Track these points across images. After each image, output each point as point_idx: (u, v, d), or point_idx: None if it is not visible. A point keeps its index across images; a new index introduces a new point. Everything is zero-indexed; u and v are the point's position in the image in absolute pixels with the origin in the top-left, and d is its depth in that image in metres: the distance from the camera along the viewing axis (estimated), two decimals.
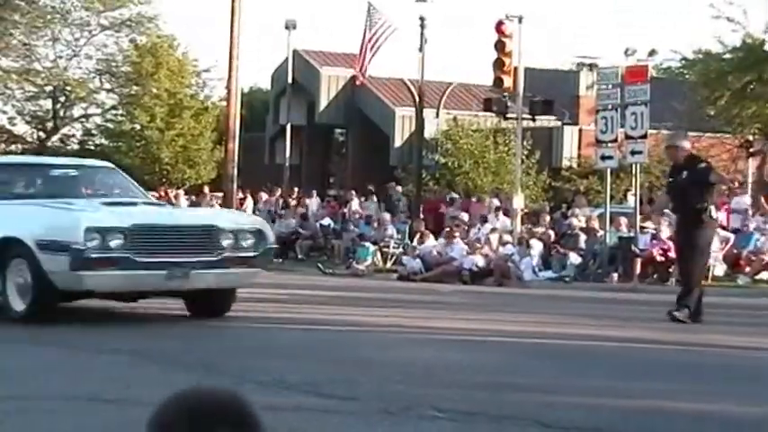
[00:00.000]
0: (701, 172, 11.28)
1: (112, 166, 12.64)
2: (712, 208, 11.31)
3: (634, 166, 19.72)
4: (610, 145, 19.52)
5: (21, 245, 9.91)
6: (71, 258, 9.54)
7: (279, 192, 30.20)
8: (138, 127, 37.22)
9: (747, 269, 17.89)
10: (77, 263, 9.54)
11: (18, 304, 10.04)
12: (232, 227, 10.47)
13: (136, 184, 12.30)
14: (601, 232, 19.67)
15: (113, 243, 9.68)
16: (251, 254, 10.40)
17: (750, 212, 19.34)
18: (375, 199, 28.66)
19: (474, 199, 26.54)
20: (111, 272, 9.66)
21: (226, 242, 10.25)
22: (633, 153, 18.91)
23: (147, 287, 10.16)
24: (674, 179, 11.60)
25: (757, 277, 17.87)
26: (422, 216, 25.26)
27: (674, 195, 11.69)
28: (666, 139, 12.82)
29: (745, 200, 19.43)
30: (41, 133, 41.14)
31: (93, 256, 9.55)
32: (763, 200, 19.88)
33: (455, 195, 27.56)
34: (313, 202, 29.25)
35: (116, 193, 11.62)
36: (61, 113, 40.87)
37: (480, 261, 20.41)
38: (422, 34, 27.58)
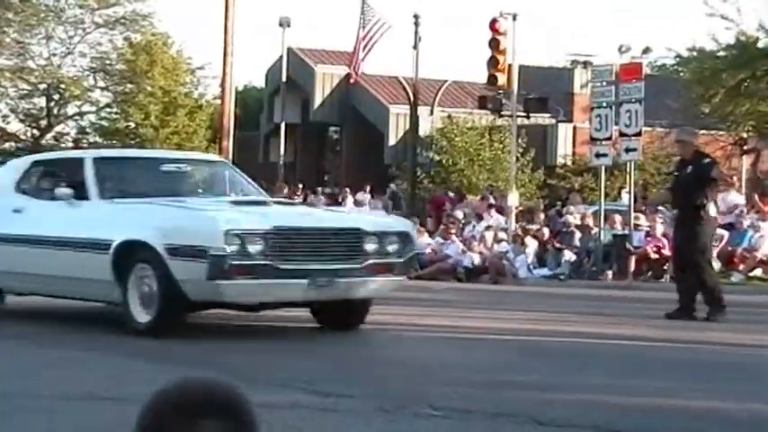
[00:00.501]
0: (703, 167, 11.32)
1: (224, 160, 11.58)
2: (711, 205, 11.32)
3: (628, 163, 19.73)
4: (604, 142, 19.53)
5: (147, 249, 8.85)
6: (209, 265, 8.43)
7: (285, 189, 30.18)
8: (132, 125, 37.21)
9: (741, 266, 17.92)
10: (215, 271, 8.44)
11: (141, 316, 9.02)
12: (376, 229, 9.36)
13: (249, 179, 11.19)
14: (595, 230, 19.69)
15: (253, 248, 8.57)
16: (396, 260, 9.35)
17: (744, 210, 19.36)
18: (369, 198, 28.66)
19: (480, 197, 26.50)
20: (250, 281, 8.59)
21: (370, 247, 9.19)
22: (627, 151, 18.92)
23: (287, 297, 9.09)
24: (679, 174, 11.64)
25: (751, 274, 17.91)
26: (429, 213, 25.23)
27: (677, 190, 11.73)
28: (676, 134, 12.84)
29: (731, 197, 19.44)
30: (35, 131, 41.08)
31: (233, 263, 8.46)
32: (756, 197, 19.90)
33: (463, 192, 27.55)
34: (320, 201, 29.25)
35: (233, 190, 10.69)
36: (55, 111, 40.81)
37: (475, 259, 20.42)
38: (416, 32, 27.60)
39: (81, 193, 9.75)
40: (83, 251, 9.38)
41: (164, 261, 8.70)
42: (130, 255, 9.00)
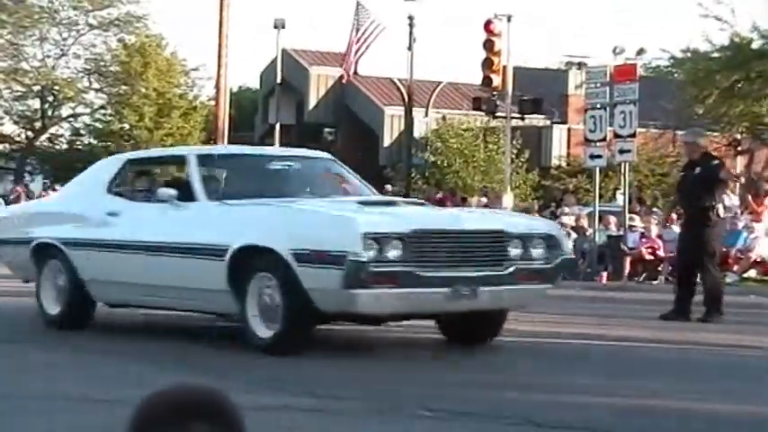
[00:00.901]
0: (712, 169, 11.35)
1: (331, 156, 10.55)
2: (720, 206, 11.36)
3: (623, 164, 19.75)
4: (599, 144, 19.54)
5: (270, 256, 7.91)
6: (345, 273, 7.47)
7: None
8: (126, 127, 37.20)
9: (735, 267, 17.93)
10: (352, 279, 7.50)
11: (262, 330, 8.10)
12: (521, 232, 8.46)
13: (358, 176, 10.22)
14: (590, 231, 19.70)
15: (392, 253, 7.65)
16: (543, 266, 8.42)
17: (738, 211, 19.38)
18: None
19: (483, 198, 26.47)
20: (390, 290, 7.66)
21: (514, 251, 8.28)
22: (622, 152, 18.92)
23: (427, 309, 8.19)
24: (686, 175, 11.67)
25: (745, 275, 17.93)
26: None
27: (684, 191, 11.75)
28: (685, 135, 12.87)
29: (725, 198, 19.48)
30: (29, 133, 41.05)
31: (372, 269, 7.53)
32: (750, 198, 19.92)
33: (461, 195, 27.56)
34: None
35: (344, 189, 9.72)
36: (49, 113, 40.80)
37: None
38: (411, 33, 27.61)
39: (184, 194, 8.82)
40: (193, 258, 8.41)
41: (290, 268, 7.74)
42: (250, 262, 8.08)
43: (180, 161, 9.70)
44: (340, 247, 7.55)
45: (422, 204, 10.07)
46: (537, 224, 9.56)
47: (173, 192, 8.85)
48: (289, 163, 10.00)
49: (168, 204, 8.80)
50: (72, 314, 9.60)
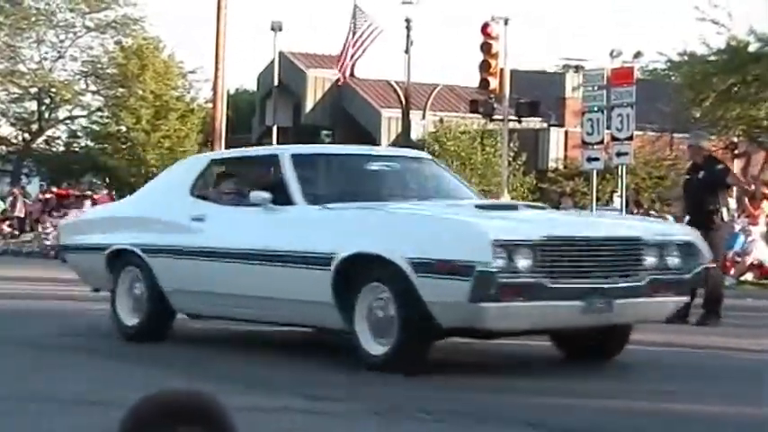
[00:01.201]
0: (718, 173, 11.40)
1: (430, 156, 9.95)
2: (724, 210, 11.41)
3: (620, 167, 19.75)
4: (596, 147, 19.55)
5: (384, 265, 7.25)
6: (473, 285, 6.82)
7: None
8: (123, 129, 37.15)
9: (732, 271, 17.94)
10: (481, 291, 6.84)
11: (372, 346, 7.42)
12: (658, 240, 7.73)
13: (460, 178, 9.61)
14: None
15: (522, 263, 7.00)
16: (679, 276, 7.72)
17: (735, 215, 19.40)
18: None
19: None
20: (519, 303, 6.99)
21: (650, 260, 7.58)
22: (619, 155, 18.93)
23: (558, 324, 7.51)
24: (690, 177, 11.70)
25: (742, 278, 17.94)
26: None
27: (688, 194, 11.79)
28: (689, 138, 12.92)
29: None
30: (26, 135, 41.02)
31: (502, 281, 6.88)
32: (747, 201, 19.94)
33: None
34: None
35: (450, 192, 8.99)
36: (46, 115, 40.76)
37: None
38: (408, 36, 27.64)
39: (279, 197, 8.12)
40: (292, 267, 7.78)
41: (408, 279, 7.08)
42: (359, 271, 7.41)
43: (271, 161, 8.92)
44: (467, 256, 6.89)
45: (542, 208, 9.17)
46: (674, 230, 8.82)
47: (267, 195, 8.13)
48: (388, 163, 9.40)
49: (261, 208, 8.15)
50: (150, 325, 9.00)
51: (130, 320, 9.14)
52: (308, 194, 8.15)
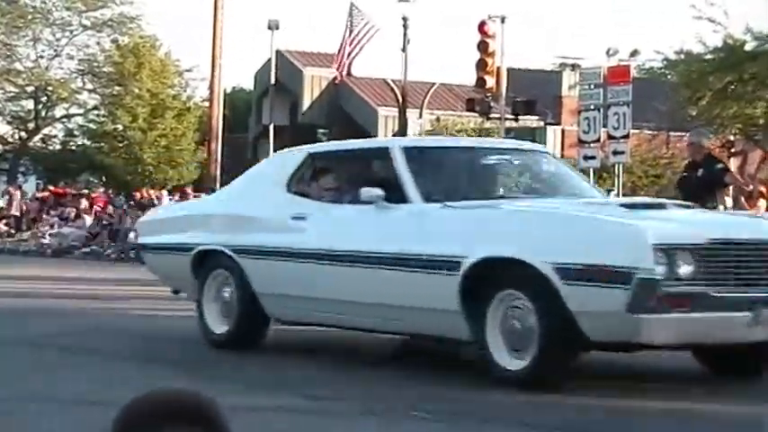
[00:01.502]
0: (716, 173, 11.43)
1: (546, 149, 8.86)
2: (721, 208, 11.45)
3: (616, 165, 19.79)
4: (592, 145, 19.58)
5: (522, 270, 6.59)
6: (633, 293, 6.11)
7: None
8: (120, 127, 37.14)
9: None
10: (642, 300, 6.13)
11: (506, 359, 6.75)
12: None
13: (580, 173, 8.77)
14: None
15: (683, 270, 6.27)
16: None
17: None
18: None
19: None
20: (681, 315, 6.23)
21: None
22: (615, 153, 18.96)
23: (723, 338, 6.64)
24: (689, 175, 11.74)
25: None
26: None
27: (685, 192, 11.82)
28: (691, 136, 12.95)
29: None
30: (22, 134, 40.99)
31: (666, 290, 6.16)
32: (743, 200, 19.99)
33: None
34: None
35: (574, 189, 8.23)
36: (43, 114, 40.74)
37: None
38: (404, 34, 27.62)
39: (392, 194, 7.45)
40: (410, 271, 7.11)
41: (552, 286, 6.39)
42: (490, 277, 6.76)
43: (379, 154, 8.21)
44: (626, 261, 6.19)
45: (690, 207, 8.14)
46: None
47: (379, 191, 7.42)
48: (506, 157, 8.66)
49: (372, 206, 7.47)
50: (242, 332, 8.38)
51: (219, 328, 8.53)
52: (424, 191, 7.46)
